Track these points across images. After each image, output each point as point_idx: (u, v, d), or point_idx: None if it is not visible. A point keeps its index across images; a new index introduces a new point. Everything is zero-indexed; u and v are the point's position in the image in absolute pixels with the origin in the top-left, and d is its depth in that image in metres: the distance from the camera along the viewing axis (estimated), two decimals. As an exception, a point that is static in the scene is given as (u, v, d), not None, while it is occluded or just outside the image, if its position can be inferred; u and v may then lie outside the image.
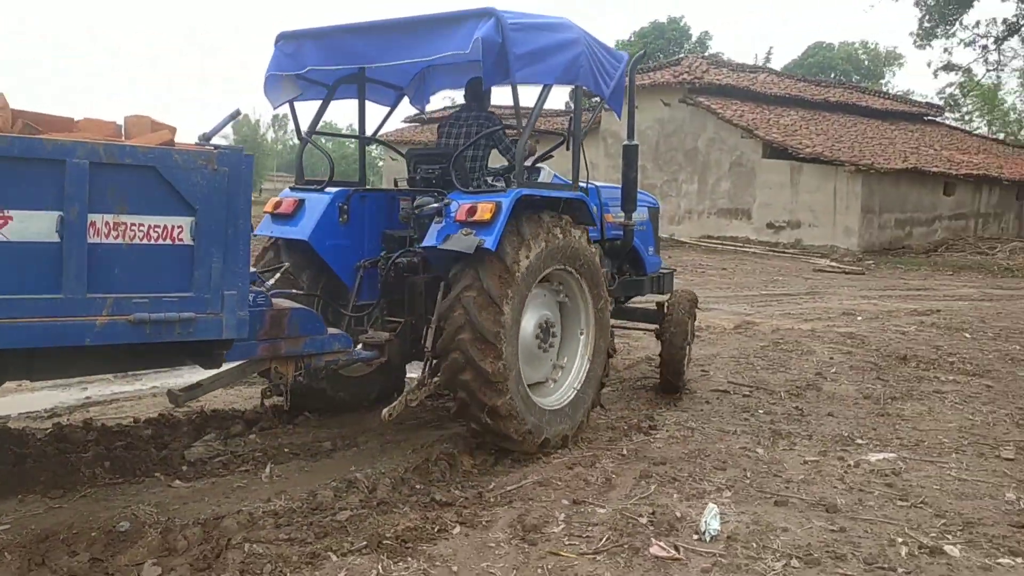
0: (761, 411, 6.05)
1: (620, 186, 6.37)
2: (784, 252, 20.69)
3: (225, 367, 4.31)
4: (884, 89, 51.66)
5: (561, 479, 4.54)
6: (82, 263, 3.38)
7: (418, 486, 4.44)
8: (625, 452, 5.05)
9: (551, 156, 6.20)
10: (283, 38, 5.45)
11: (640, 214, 6.70)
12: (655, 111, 24.61)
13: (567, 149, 5.64)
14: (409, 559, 3.52)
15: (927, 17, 44.94)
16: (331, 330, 4.67)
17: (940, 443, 5.37)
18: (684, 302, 6.64)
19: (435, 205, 4.92)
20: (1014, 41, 46.68)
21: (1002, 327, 10.43)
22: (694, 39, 47.88)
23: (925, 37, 45.95)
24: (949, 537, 3.89)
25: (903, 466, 4.87)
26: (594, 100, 6.10)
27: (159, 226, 3.61)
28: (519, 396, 4.76)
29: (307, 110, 5.89)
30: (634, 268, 6.85)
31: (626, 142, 6.49)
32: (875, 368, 7.63)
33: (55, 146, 3.32)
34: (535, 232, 4.85)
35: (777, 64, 50.57)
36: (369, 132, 6.27)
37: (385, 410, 4.66)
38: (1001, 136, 39.37)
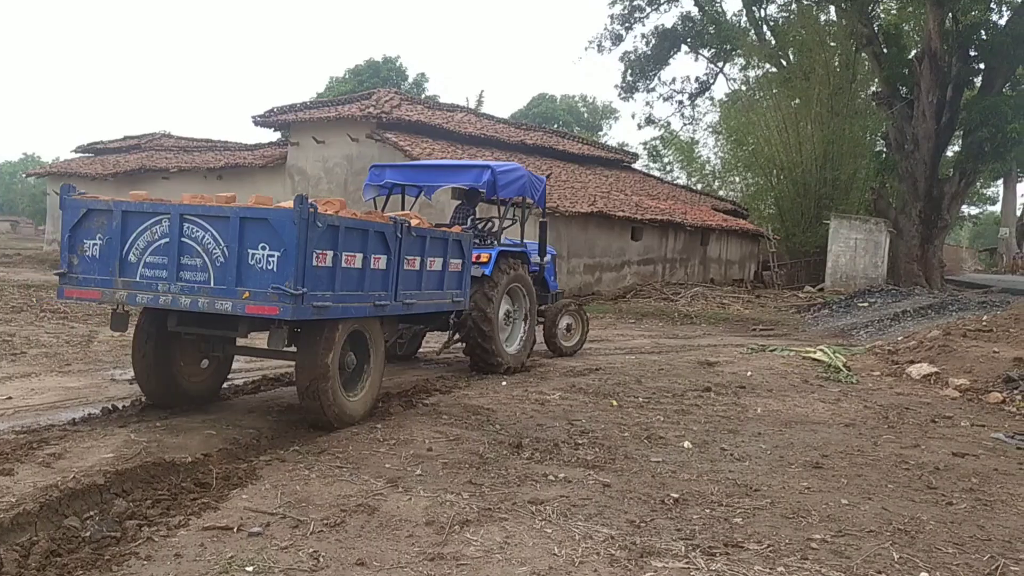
0: (251, 568, 3.92)
1: (537, 242, 11.43)
2: (475, 299, 19.34)
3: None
4: (602, 140, 53.90)
5: None
6: (444, 278, 8.21)
7: None
8: None
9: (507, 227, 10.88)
10: (375, 167, 10.68)
11: (548, 258, 11.74)
12: (343, 146, 22.61)
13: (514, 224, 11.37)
14: None
15: (629, 72, 47.55)
16: None
17: (486, 615, 3.51)
18: (559, 306, 11.94)
19: None
20: (706, 98, 50.79)
21: (657, 388, 9.30)
22: (410, 80, 46.89)
23: (628, 90, 48.58)
24: None
25: None
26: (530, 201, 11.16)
27: (457, 262, 8.49)
28: (499, 346, 9.78)
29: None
30: (544, 289, 11.79)
31: (541, 219, 11.53)
32: (478, 463, 5.84)
33: (452, 235, 8.43)
34: (505, 267, 9.91)
35: (504, 114, 50.96)
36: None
37: (440, 349, 10.83)
38: (699, 187, 41.74)
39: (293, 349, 6.67)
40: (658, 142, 52.49)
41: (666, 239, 24.49)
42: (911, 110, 29.49)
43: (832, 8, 35.09)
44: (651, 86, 48.47)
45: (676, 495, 5.31)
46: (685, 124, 50.77)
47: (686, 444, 6.75)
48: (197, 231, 6.07)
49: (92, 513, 4.41)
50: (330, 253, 6.21)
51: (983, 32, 28.62)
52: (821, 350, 12.45)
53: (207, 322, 6.64)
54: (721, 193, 41.24)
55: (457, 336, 9.94)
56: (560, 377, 9.83)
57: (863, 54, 32.94)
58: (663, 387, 9.38)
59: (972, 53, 29.10)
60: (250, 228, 5.96)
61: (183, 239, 6.09)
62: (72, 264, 6.41)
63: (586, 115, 73.97)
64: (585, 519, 4.78)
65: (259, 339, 6.89)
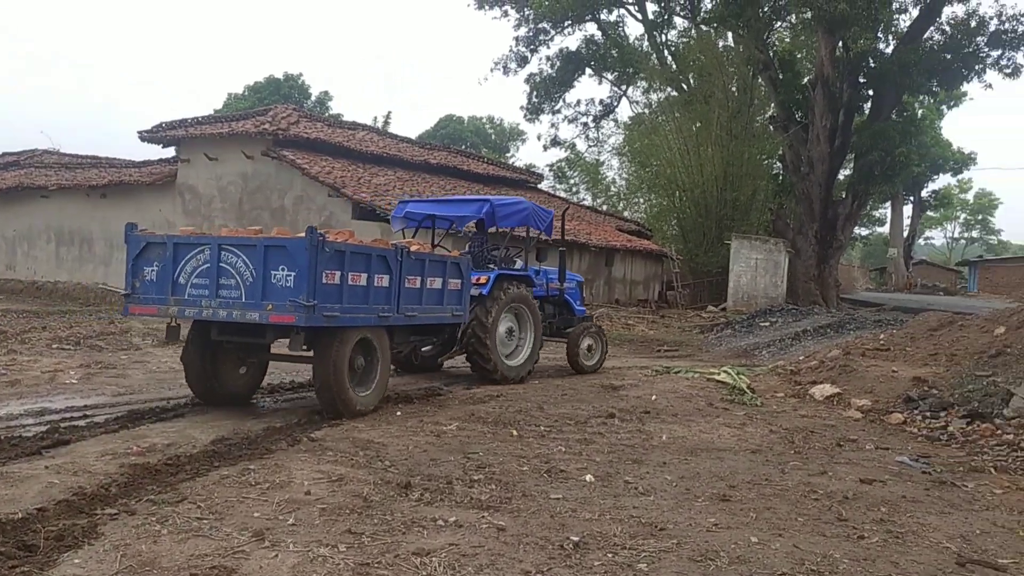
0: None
1: (557, 269, 13.03)
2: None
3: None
4: (509, 161, 53.82)
5: None
6: (444, 295, 9.50)
7: None
8: None
9: (520, 254, 12.70)
10: (401, 202, 12.81)
11: (570, 283, 13.29)
12: (237, 164, 21.65)
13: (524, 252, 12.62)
14: None
15: (535, 93, 47.65)
16: None
17: None
18: (581, 328, 12.94)
19: None
20: (611, 120, 51.33)
21: (559, 415, 8.88)
22: (313, 98, 45.83)
23: (534, 112, 48.67)
24: None
25: None
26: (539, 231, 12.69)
27: (456, 281, 9.76)
28: (497, 358, 11.03)
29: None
30: (568, 312, 13.21)
31: (560, 248, 13.28)
32: (360, 508, 5.26)
33: (451, 258, 9.87)
34: (503, 288, 11.16)
35: (412, 135, 50.32)
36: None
37: (440, 359, 11.72)
38: (604, 208, 41.99)
39: (311, 353, 8.14)
40: (564, 163, 52.85)
41: (571, 259, 24.32)
42: (806, 134, 30.35)
43: (730, 34, 35.96)
44: (556, 108, 48.77)
45: (576, 538, 4.85)
46: (590, 146, 50.97)
47: (588, 477, 6.33)
48: (231, 257, 7.56)
49: None
50: (338, 273, 7.64)
51: (871, 60, 29.73)
52: (725, 371, 12.30)
53: (241, 331, 8.11)
54: (626, 214, 41.60)
55: (458, 348, 11.21)
56: (459, 405, 9.31)
57: (760, 79, 33.81)
58: (566, 414, 8.98)
59: (861, 80, 30.17)
60: (272, 254, 7.43)
61: (221, 264, 7.57)
62: (135, 287, 7.95)
63: (493, 136, 74.17)
64: (475, 572, 4.28)
65: (284, 347, 8.35)
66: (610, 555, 4.62)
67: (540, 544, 4.75)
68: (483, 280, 10.95)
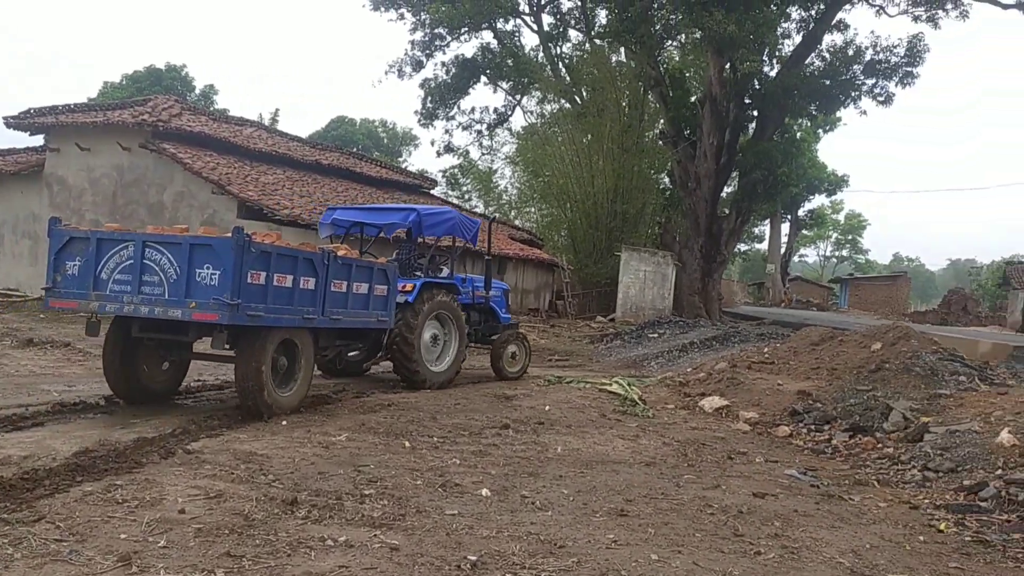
0: None
1: (483, 277, 13.53)
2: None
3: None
4: (402, 166, 53.10)
5: None
6: (370, 300, 9.61)
7: None
8: None
9: (446, 262, 12.78)
10: (329, 208, 12.94)
11: (496, 291, 13.77)
12: (112, 155, 20.45)
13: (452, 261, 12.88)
14: None
15: (429, 99, 47.21)
16: None
17: None
18: (506, 335, 13.41)
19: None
20: (505, 129, 51.41)
21: (453, 425, 8.64)
22: (198, 91, 44.03)
23: (428, 117, 48.13)
24: None
25: None
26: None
27: (382, 287, 9.87)
28: (422, 364, 11.22)
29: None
30: (494, 319, 13.66)
31: (487, 257, 13.85)
32: (241, 527, 4.87)
33: (378, 264, 10.05)
34: (429, 296, 11.32)
35: (301, 134, 48.95)
36: None
37: (366, 364, 12.12)
38: (496, 216, 41.89)
39: (233, 352, 8.26)
40: (457, 170, 52.63)
41: (464, 267, 24.13)
42: (694, 150, 31.14)
43: (623, 50, 36.61)
44: (451, 114, 48.32)
45: (474, 557, 4.63)
46: (483, 154, 50.95)
47: (484, 492, 6.11)
48: (156, 254, 7.62)
49: None
50: (263, 273, 7.73)
51: (757, 82, 30.78)
52: (617, 382, 12.35)
53: (163, 328, 8.08)
54: (517, 222, 41.70)
55: (383, 354, 11.41)
56: (349, 415, 8.93)
57: (651, 95, 34.53)
58: (459, 424, 8.74)
59: (747, 100, 31.21)
60: (198, 252, 7.51)
61: (144, 260, 7.63)
62: (56, 281, 7.94)
63: (386, 140, 73.22)
64: (366, 598, 3.98)
65: (208, 346, 8.24)
66: (509, 575, 4.42)
67: (436, 564, 4.50)
68: (409, 287, 11.14)
